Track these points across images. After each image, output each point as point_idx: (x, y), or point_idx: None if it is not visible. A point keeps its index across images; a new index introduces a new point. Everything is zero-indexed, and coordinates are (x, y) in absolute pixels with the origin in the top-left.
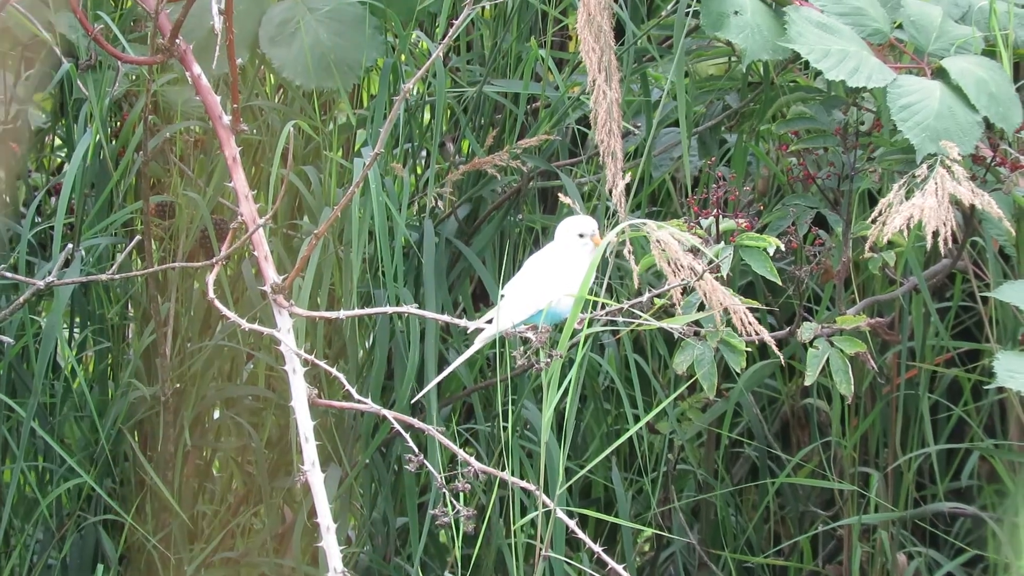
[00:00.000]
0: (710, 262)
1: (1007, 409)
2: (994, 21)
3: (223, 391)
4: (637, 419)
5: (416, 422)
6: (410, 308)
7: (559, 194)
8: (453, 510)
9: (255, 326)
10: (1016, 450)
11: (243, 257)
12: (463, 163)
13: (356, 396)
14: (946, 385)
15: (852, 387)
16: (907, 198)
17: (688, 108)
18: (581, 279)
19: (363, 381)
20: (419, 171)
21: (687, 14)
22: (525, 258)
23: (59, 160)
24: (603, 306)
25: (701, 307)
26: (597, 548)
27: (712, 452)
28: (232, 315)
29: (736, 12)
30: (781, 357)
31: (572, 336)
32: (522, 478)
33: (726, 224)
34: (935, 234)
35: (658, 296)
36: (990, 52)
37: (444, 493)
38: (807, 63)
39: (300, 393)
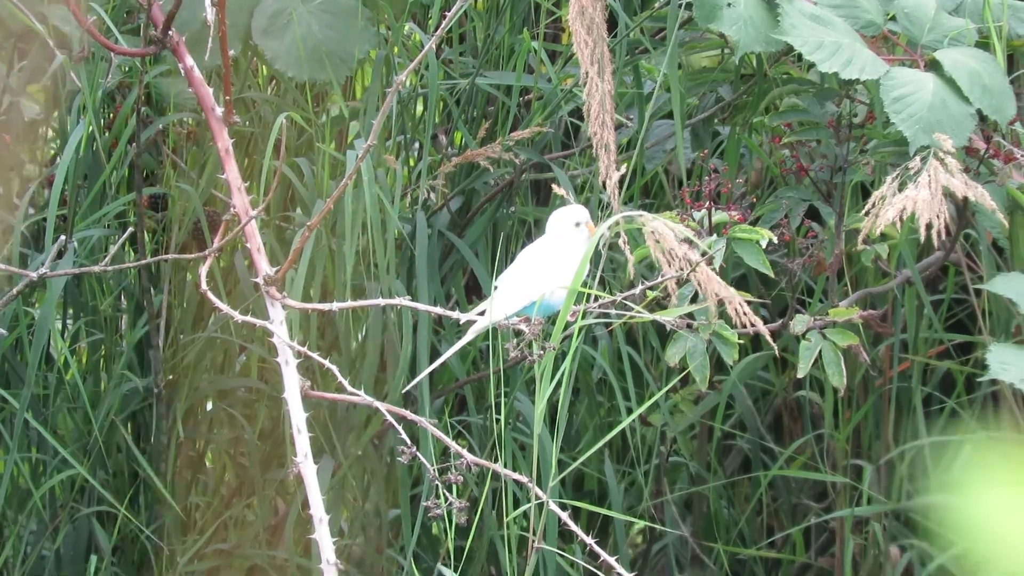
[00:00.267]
0: (704, 253)
1: (1000, 401)
2: (988, 13)
3: (216, 383)
4: (630, 411)
5: (409, 414)
6: (403, 300)
7: (552, 186)
8: (446, 502)
9: (248, 318)
10: (1009, 442)
11: (236, 249)
12: (456, 155)
13: (349, 388)
14: (939, 377)
15: (845, 379)
16: (900, 190)
17: (681, 100)
18: (574, 271)
19: (356, 373)
20: (412, 163)
21: (680, 6)
22: (518, 250)
23: (52, 151)
24: (596, 298)
25: (694, 299)
26: (589, 540)
27: (705, 444)
28: (225, 307)
29: (729, 4)
30: (776, 348)
31: (565, 328)
32: (515, 470)
33: (719, 216)
34: (928, 226)
35: (651, 288)
36: (984, 44)
37: (437, 485)
38: (800, 55)
39: (293, 385)
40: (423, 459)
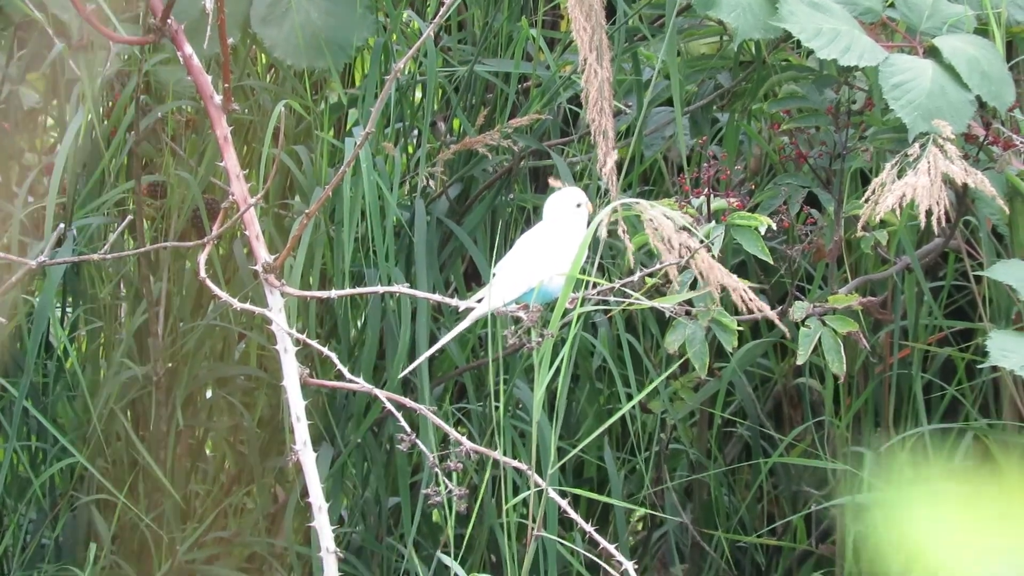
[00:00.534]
0: (703, 240)
1: (1001, 388)
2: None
3: (215, 371)
4: (629, 398)
5: (408, 401)
6: (401, 288)
7: (549, 179)
8: (445, 490)
9: (247, 306)
10: (1010, 430)
11: (235, 237)
12: (454, 142)
13: (348, 376)
14: (939, 364)
15: (844, 366)
16: (899, 177)
17: (680, 87)
18: (573, 257)
19: (355, 360)
20: (410, 151)
21: None
22: (516, 237)
23: (51, 140)
24: (595, 285)
25: (694, 286)
26: (589, 528)
27: (705, 432)
28: (224, 295)
29: None
30: (785, 330)
31: (564, 315)
32: (514, 458)
33: (718, 203)
34: (928, 213)
35: (650, 275)
36: (983, 31)
37: (436, 472)
38: (799, 42)
39: (292, 373)
40: (422, 446)
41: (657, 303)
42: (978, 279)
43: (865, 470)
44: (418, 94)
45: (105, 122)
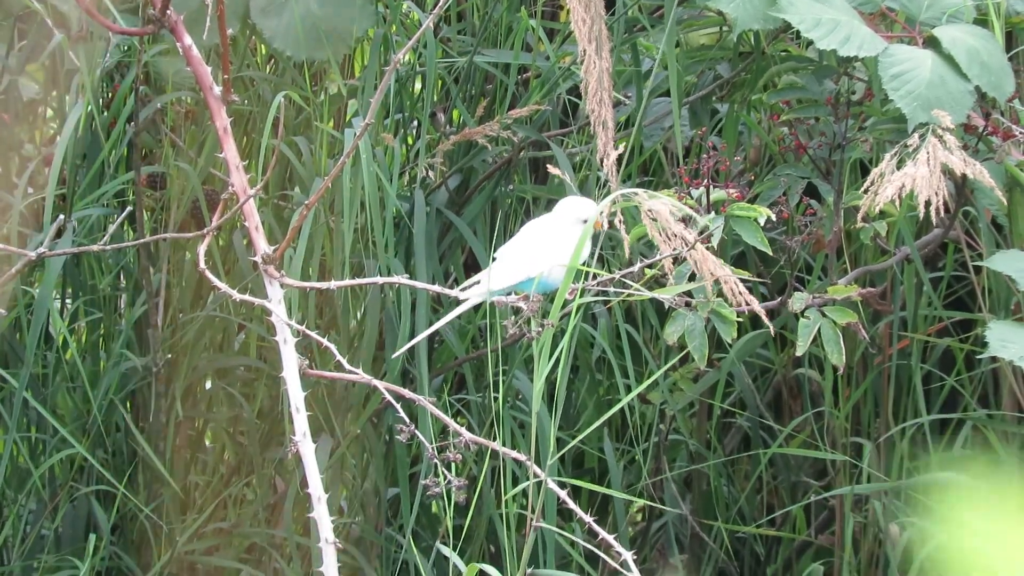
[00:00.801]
0: (701, 232)
1: (1000, 379)
2: None
3: (215, 361)
4: (629, 389)
5: (407, 392)
6: (401, 279)
7: (548, 167)
8: (444, 480)
9: (246, 297)
10: (1009, 420)
11: (234, 228)
12: (454, 133)
13: (347, 366)
14: (939, 355)
15: (844, 357)
16: (899, 168)
17: (679, 78)
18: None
19: (354, 351)
20: (410, 141)
21: None
22: (516, 228)
23: (51, 131)
24: (594, 276)
25: (692, 277)
26: (588, 518)
27: (704, 422)
28: (223, 286)
29: None
30: (771, 328)
31: (563, 306)
32: (514, 448)
33: (717, 194)
34: (927, 203)
35: (649, 266)
36: (982, 21)
37: (435, 463)
38: (798, 33)
39: (291, 364)
40: (421, 437)
41: (656, 294)
42: (977, 269)
43: (864, 461)
44: (418, 85)
45: (105, 113)
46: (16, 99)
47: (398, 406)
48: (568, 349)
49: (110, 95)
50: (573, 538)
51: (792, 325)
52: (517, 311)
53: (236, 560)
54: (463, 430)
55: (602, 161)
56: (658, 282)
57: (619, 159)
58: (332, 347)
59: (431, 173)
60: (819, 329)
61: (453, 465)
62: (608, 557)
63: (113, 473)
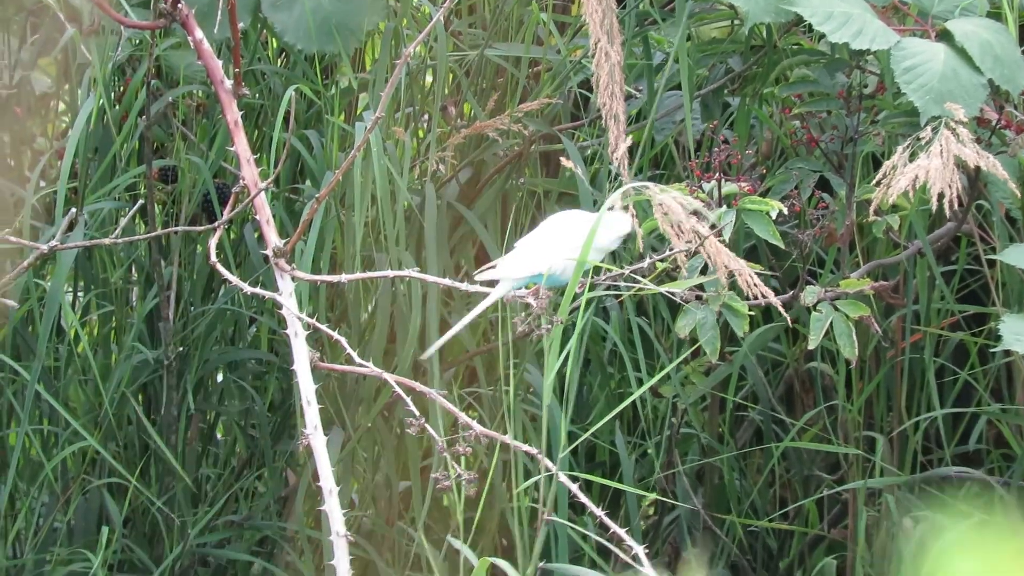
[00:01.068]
0: (713, 225)
1: (1014, 373)
2: None
3: (226, 355)
4: (640, 383)
5: (418, 386)
6: (412, 272)
7: (561, 159)
8: (455, 474)
9: (257, 290)
10: (1023, 414)
11: (245, 221)
12: (465, 127)
13: (358, 360)
14: (952, 349)
15: (856, 351)
16: (911, 161)
17: (691, 72)
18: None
19: (365, 345)
20: (421, 135)
21: None
22: (527, 221)
23: (63, 125)
24: (606, 271)
25: (704, 271)
26: (600, 512)
27: (716, 416)
28: (234, 279)
29: None
30: (788, 318)
31: (573, 300)
32: (525, 442)
33: (728, 188)
34: (940, 196)
35: (660, 260)
36: (995, 14)
37: (445, 457)
38: (810, 26)
39: (302, 357)
40: (431, 431)
41: (667, 289)
42: (991, 263)
43: (877, 455)
44: (428, 78)
45: (116, 107)
46: (28, 93)
47: (408, 400)
48: (579, 343)
49: (122, 89)
50: (585, 532)
51: (804, 319)
52: (527, 307)
53: (248, 553)
54: (474, 423)
55: (614, 155)
56: (669, 275)
57: (631, 152)
58: (343, 340)
59: (442, 167)
60: (831, 323)
61: (464, 459)
62: (620, 551)
63: (125, 466)
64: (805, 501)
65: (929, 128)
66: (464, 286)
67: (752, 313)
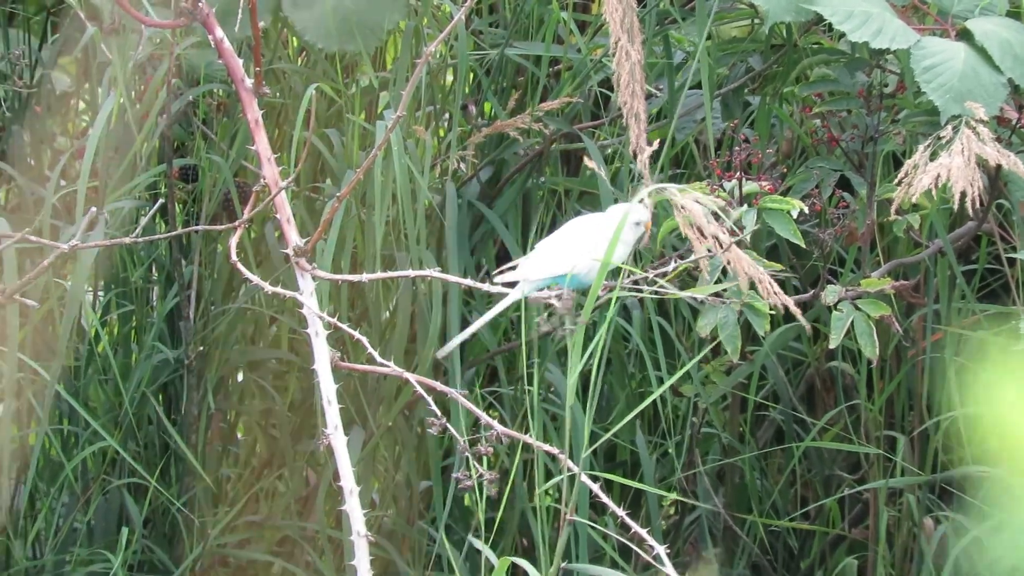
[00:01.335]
0: (734, 231)
1: None
2: None
3: (246, 354)
4: (661, 382)
5: (439, 385)
6: (433, 271)
7: (584, 158)
8: (476, 474)
9: (278, 289)
10: None
11: (266, 220)
12: (485, 126)
13: (379, 359)
14: (972, 348)
15: (877, 350)
16: (932, 160)
17: (711, 70)
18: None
19: (386, 344)
20: (441, 134)
21: None
22: (548, 220)
23: (83, 124)
24: (628, 273)
25: (725, 271)
26: (621, 512)
27: (737, 415)
28: (255, 278)
29: None
30: (807, 325)
31: (596, 300)
32: (546, 442)
33: (749, 187)
34: (962, 195)
35: (680, 259)
36: (1015, 14)
37: (466, 456)
38: (830, 25)
39: (323, 356)
40: (453, 431)
41: (689, 293)
42: (1011, 262)
43: (898, 454)
44: (449, 77)
45: (137, 106)
46: (49, 92)
47: (430, 399)
48: (601, 344)
49: (142, 88)
50: (606, 532)
51: (825, 318)
52: (550, 307)
53: (268, 553)
54: (495, 423)
55: (634, 153)
56: (690, 274)
57: (654, 152)
58: (364, 340)
59: (462, 165)
60: (852, 322)
61: (485, 458)
62: (641, 551)
63: (145, 466)
64: (826, 501)
65: (949, 127)
66: (485, 286)
67: (773, 312)
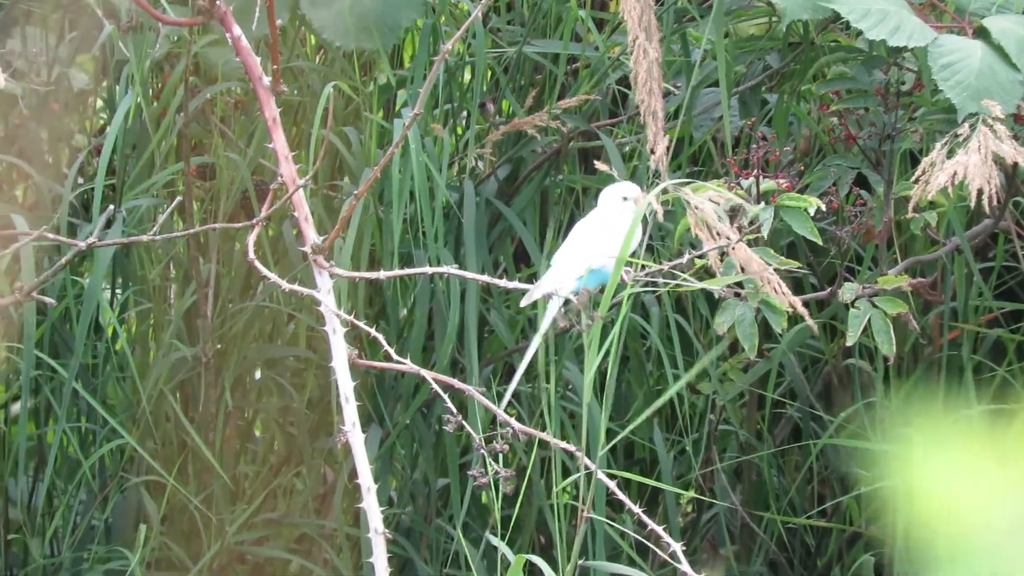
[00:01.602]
0: (751, 223)
1: None
2: None
3: (264, 352)
4: (678, 379)
5: (456, 383)
6: (450, 269)
7: (596, 162)
8: (492, 471)
9: (295, 287)
10: None
11: (284, 218)
12: (503, 123)
13: (396, 357)
14: (989, 345)
15: (894, 348)
16: (949, 157)
17: (728, 68)
18: (620, 243)
19: (403, 342)
20: (459, 132)
21: None
22: (565, 218)
23: (101, 122)
24: (643, 267)
25: (741, 267)
26: (638, 510)
27: (754, 413)
28: (273, 276)
29: None
30: (813, 325)
31: (613, 296)
32: (563, 439)
33: (767, 184)
34: (979, 192)
35: (699, 257)
36: None
37: (483, 454)
38: (848, 23)
39: (340, 354)
40: (469, 428)
41: (705, 285)
42: None
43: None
44: (467, 75)
45: (154, 104)
46: (66, 89)
47: (446, 397)
48: (618, 340)
49: (160, 86)
50: (623, 529)
51: (842, 315)
52: (567, 303)
53: (286, 551)
54: (512, 420)
55: (652, 151)
56: (707, 271)
57: (668, 149)
58: (381, 337)
59: (480, 163)
60: (869, 319)
61: (502, 456)
62: (658, 548)
63: (163, 463)
64: (843, 498)
65: (966, 125)
66: (503, 282)
67: (790, 310)
